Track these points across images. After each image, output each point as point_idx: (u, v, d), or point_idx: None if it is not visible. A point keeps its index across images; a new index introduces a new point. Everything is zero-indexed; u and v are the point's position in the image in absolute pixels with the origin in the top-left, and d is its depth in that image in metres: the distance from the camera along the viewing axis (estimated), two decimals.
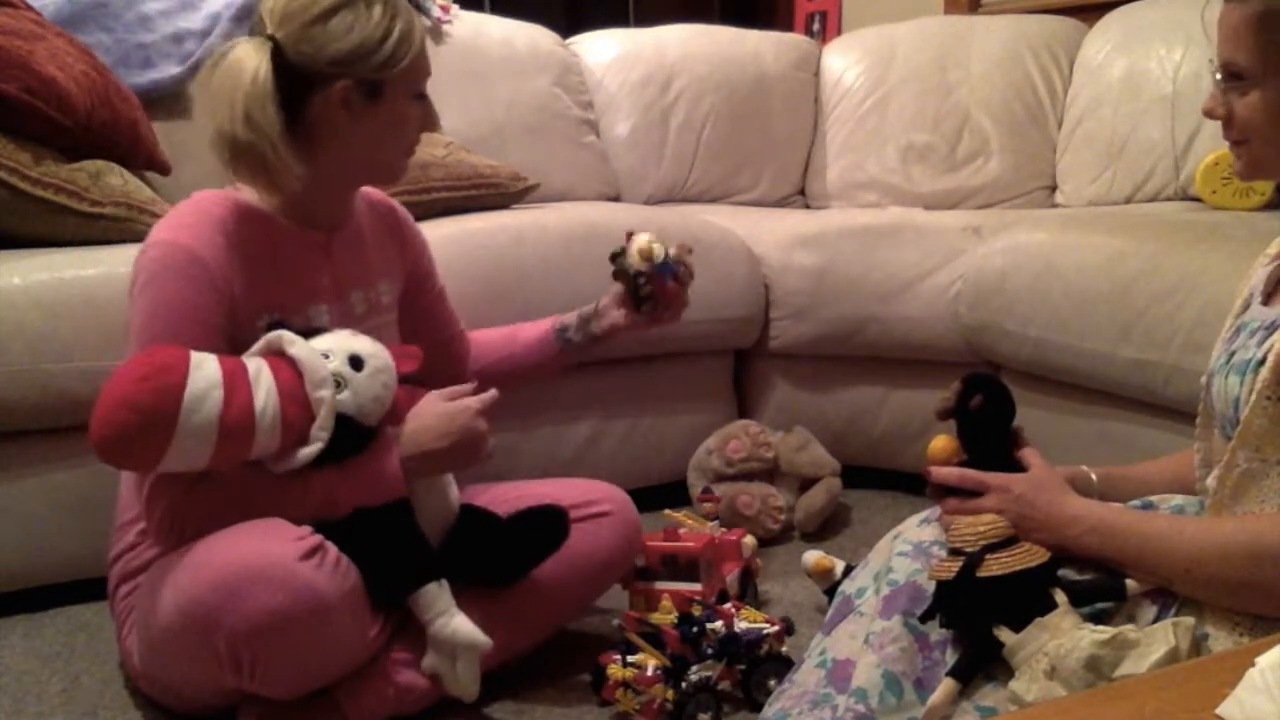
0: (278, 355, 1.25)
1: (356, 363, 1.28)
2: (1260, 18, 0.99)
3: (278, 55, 1.28)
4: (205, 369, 1.17)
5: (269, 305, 1.34)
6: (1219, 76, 1.04)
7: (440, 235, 1.91)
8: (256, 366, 1.22)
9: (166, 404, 1.13)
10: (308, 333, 1.30)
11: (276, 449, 1.23)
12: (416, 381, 1.39)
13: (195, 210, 1.34)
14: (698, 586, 1.56)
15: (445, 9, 2.59)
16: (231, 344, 1.30)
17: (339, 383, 1.25)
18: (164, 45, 2.19)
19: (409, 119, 1.40)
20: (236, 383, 1.18)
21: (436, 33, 2.55)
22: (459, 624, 1.31)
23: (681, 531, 1.64)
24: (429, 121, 1.43)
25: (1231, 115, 1.03)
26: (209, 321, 1.28)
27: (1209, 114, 1.06)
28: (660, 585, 1.57)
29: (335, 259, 1.44)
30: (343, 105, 1.32)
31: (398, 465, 1.32)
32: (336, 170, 1.39)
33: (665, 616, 1.49)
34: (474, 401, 1.39)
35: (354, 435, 1.28)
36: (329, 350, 1.27)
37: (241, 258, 1.32)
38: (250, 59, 1.27)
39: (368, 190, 1.58)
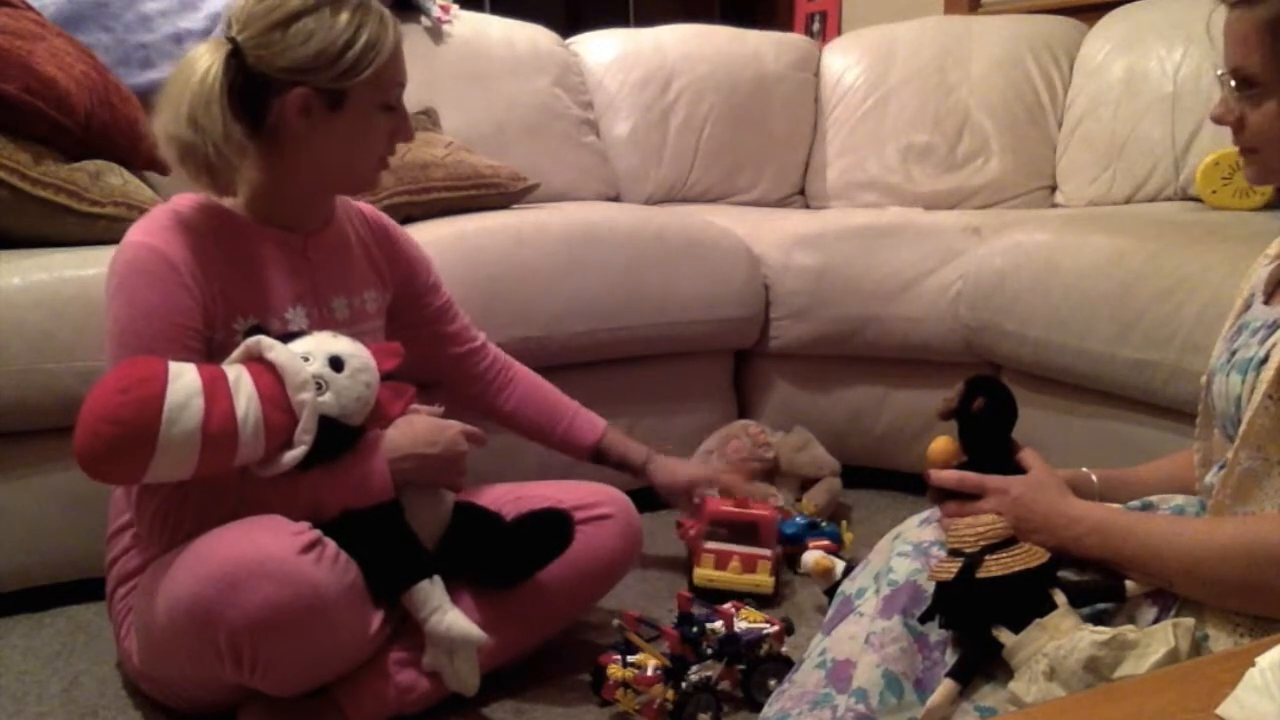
0: (257, 361, 1.24)
1: (337, 364, 1.27)
2: (1271, 24, 0.96)
3: (237, 58, 1.28)
4: (185, 379, 1.16)
5: (244, 307, 1.34)
6: (1232, 84, 1.01)
7: (440, 235, 1.92)
8: (236, 373, 1.21)
9: (147, 415, 1.12)
10: (287, 337, 1.29)
11: (261, 454, 1.23)
12: (409, 379, 1.39)
13: (168, 213, 1.33)
14: (768, 552, 1.72)
15: (445, 9, 2.59)
16: (208, 346, 1.30)
17: (320, 385, 1.25)
18: (164, 45, 2.19)
19: (376, 130, 1.36)
20: (217, 390, 1.17)
21: (436, 33, 2.55)
22: (453, 620, 1.32)
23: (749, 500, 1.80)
24: (402, 132, 1.39)
25: (1243, 122, 1.01)
26: (183, 323, 1.28)
27: (1218, 120, 1.04)
28: (731, 547, 1.73)
29: (315, 263, 1.43)
30: (301, 113, 1.30)
31: (385, 466, 1.33)
32: (304, 176, 1.37)
33: (735, 577, 1.69)
34: (460, 424, 1.43)
35: (339, 436, 1.28)
36: (309, 353, 1.27)
37: (213, 259, 1.32)
38: (203, 60, 1.26)
39: (362, 204, 1.58)
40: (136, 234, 1.31)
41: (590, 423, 1.71)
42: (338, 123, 1.32)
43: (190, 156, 1.26)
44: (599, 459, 1.71)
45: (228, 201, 1.37)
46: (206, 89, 1.24)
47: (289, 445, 1.24)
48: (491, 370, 1.69)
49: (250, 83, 1.29)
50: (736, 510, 1.75)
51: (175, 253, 1.29)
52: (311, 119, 1.31)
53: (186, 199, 1.36)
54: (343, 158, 1.36)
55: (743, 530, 1.75)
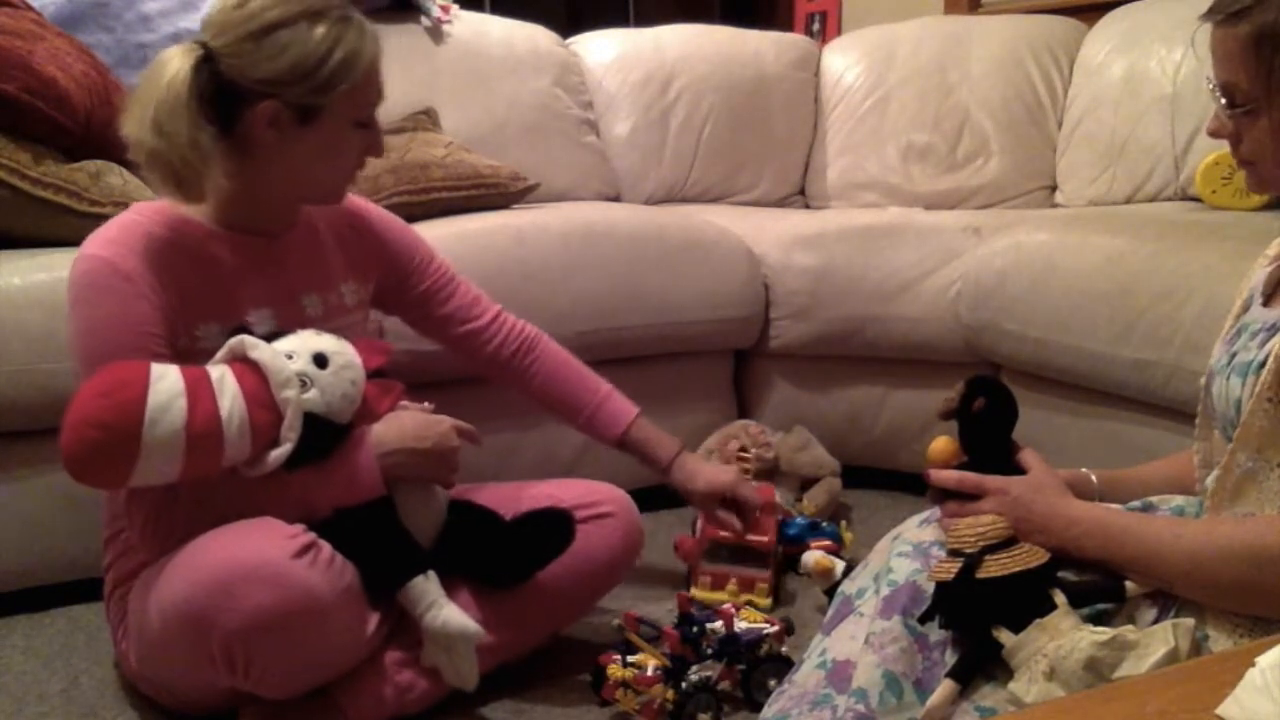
0: (241, 361, 1.24)
1: (321, 361, 1.27)
2: (1254, 40, 0.95)
3: (210, 64, 1.26)
4: (167, 380, 1.16)
5: (205, 313, 1.32)
6: (1222, 101, 1.00)
7: (440, 235, 1.91)
8: (220, 373, 1.21)
9: (129, 418, 1.12)
10: (272, 336, 1.29)
11: (248, 454, 1.22)
12: (410, 377, 1.39)
13: (121, 223, 1.32)
14: (766, 573, 1.69)
15: (445, 9, 2.59)
16: (173, 352, 1.29)
17: (304, 382, 1.24)
18: (164, 45, 2.14)
19: (346, 145, 1.34)
20: (200, 391, 1.17)
21: (436, 33, 2.55)
22: (449, 615, 1.32)
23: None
24: (373, 149, 1.37)
25: (1238, 137, 1.01)
26: (146, 330, 1.26)
27: (1214, 135, 1.03)
28: (728, 568, 1.70)
29: (282, 264, 1.41)
30: (271, 125, 1.28)
31: (374, 462, 1.32)
32: (271, 185, 1.35)
33: (731, 599, 1.65)
34: (451, 419, 1.41)
35: (326, 434, 1.27)
36: (292, 351, 1.26)
37: (170, 267, 1.30)
38: (173, 64, 1.24)
39: None
40: (90, 247, 1.29)
41: (614, 415, 1.63)
42: (307, 136, 1.30)
43: (156, 162, 1.25)
44: (624, 450, 1.66)
45: (190, 208, 1.35)
46: (174, 95, 1.22)
47: (276, 444, 1.23)
48: (503, 351, 1.63)
49: (221, 89, 1.27)
50: (733, 537, 1.69)
51: (129, 264, 1.27)
52: (280, 131, 1.29)
53: (144, 207, 1.35)
54: (310, 171, 1.35)
55: (743, 552, 1.72)
